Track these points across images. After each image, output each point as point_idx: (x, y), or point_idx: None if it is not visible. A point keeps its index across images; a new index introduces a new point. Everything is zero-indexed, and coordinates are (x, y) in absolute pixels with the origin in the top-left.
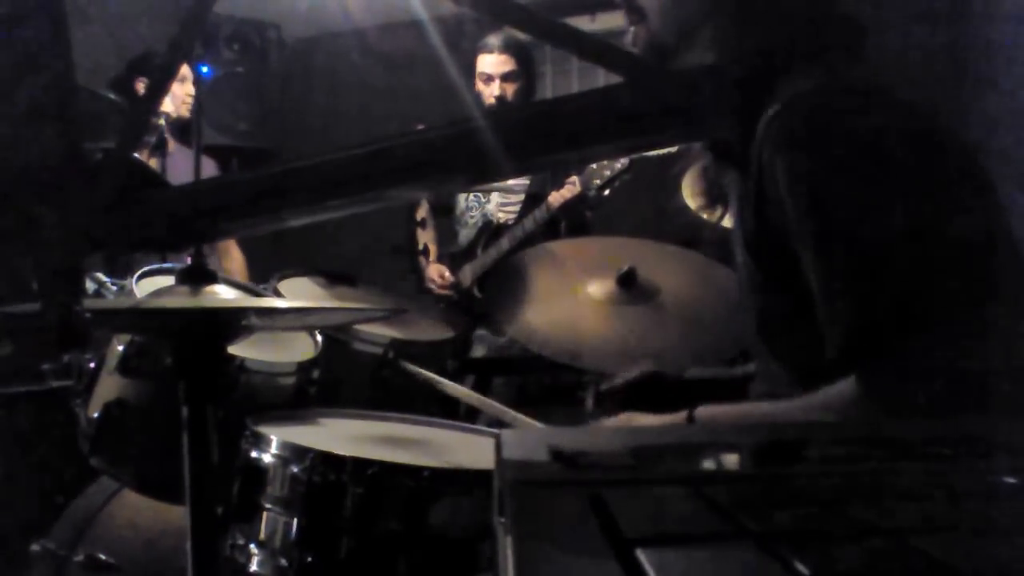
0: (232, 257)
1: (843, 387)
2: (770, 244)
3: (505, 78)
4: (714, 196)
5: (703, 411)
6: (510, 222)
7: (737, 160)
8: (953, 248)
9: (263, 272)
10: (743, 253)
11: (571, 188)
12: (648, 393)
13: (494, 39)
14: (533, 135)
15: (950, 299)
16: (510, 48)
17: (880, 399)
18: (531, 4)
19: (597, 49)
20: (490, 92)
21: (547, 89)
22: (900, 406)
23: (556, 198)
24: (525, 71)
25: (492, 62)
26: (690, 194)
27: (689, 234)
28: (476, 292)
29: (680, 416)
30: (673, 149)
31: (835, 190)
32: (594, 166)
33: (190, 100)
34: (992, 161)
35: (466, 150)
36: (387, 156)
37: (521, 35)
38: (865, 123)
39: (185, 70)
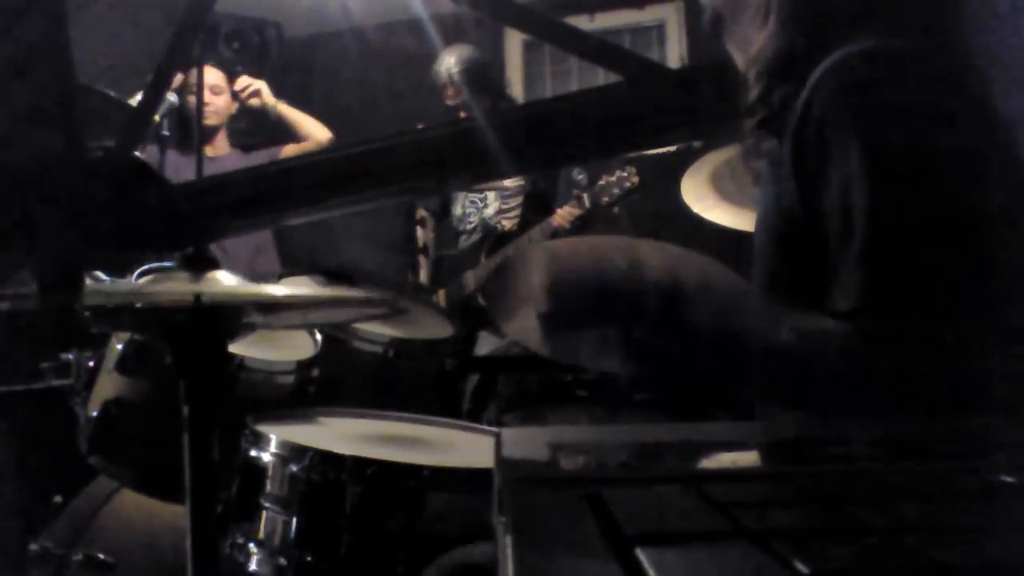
0: None
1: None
2: (802, 196)
3: (463, 106)
4: (716, 195)
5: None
6: (514, 228)
7: (779, 123)
8: (968, 214)
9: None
10: (769, 215)
11: (575, 206)
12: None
13: (440, 69)
14: (533, 134)
15: (965, 262)
16: (454, 78)
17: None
18: (530, 3)
19: (596, 48)
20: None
21: (546, 88)
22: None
23: (563, 216)
24: (480, 89)
25: (449, 93)
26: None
27: (689, 233)
28: (480, 299)
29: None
30: (673, 148)
31: (875, 133)
32: (602, 182)
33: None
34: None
35: (466, 149)
36: (387, 155)
37: (464, 55)
38: (904, 90)
39: (219, 78)
